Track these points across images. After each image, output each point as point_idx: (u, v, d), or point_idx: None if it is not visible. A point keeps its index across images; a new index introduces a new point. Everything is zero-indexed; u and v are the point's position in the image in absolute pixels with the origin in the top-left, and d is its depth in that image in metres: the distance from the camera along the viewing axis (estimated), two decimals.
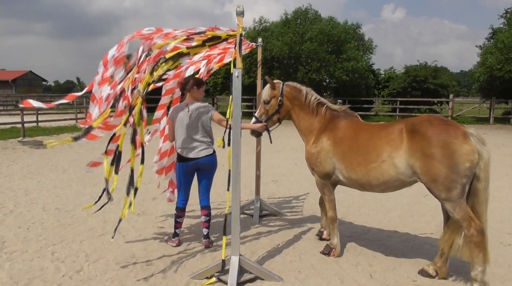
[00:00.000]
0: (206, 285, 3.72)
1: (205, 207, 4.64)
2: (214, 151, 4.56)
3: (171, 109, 4.76)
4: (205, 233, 4.69)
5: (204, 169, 4.52)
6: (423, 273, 3.92)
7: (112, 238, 4.08)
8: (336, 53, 26.76)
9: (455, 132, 3.49)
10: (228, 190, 3.74)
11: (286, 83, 4.62)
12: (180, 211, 4.62)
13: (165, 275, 3.94)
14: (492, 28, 28.92)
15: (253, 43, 5.88)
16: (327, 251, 4.44)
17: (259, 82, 5.90)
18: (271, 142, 4.76)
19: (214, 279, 3.77)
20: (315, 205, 6.53)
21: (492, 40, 27.42)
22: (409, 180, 3.76)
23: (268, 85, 4.60)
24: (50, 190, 7.32)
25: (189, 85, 4.47)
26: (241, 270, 3.78)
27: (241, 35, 3.69)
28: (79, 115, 23.48)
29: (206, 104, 4.62)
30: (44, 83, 67.36)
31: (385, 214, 6.12)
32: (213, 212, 4.87)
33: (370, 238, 5.02)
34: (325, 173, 4.27)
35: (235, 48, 3.83)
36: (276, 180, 8.52)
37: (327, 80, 29.50)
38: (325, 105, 4.45)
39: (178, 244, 4.68)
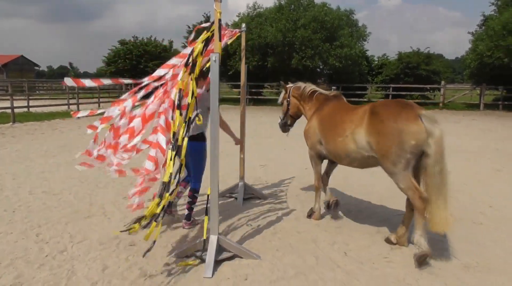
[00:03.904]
0: (185, 264, 3.83)
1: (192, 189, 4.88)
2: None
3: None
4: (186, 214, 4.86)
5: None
6: (387, 240, 4.45)
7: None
8: (330, 40, 26.66)
9: (407, 114, 3.85)
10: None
11: (293, 85, 5.59)
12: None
13: (146, 254, 4.05)
14: (483, 15, 28.92)
15: (237, 30, 5.88)
16: (309, 214, 5.24)
17: (243, 67, 5.93)
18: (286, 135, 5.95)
19: (193, 257, 3.89)
20: (298, 188, 6.70)
21: (483, 27, 27.45)
22: (367, 155, 4.21)
23: (283, 91, 5.77)
24: (38, 174, 7.38)
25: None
26: (220, 249, 3.91)
27: (219, 20, 3.75)
28: (71, 101, 23.36)
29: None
30: (36, 68, 66.47)
31: (366, 195, 6.27)
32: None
33: (349, 219, 5.17)
34: (312, 145, 5.04)
35: (214, 32, 3.87)
36: (264, 164, 8.64)
37: (321, 67, 29.46)
38: (317, 92, 5.23)
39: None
